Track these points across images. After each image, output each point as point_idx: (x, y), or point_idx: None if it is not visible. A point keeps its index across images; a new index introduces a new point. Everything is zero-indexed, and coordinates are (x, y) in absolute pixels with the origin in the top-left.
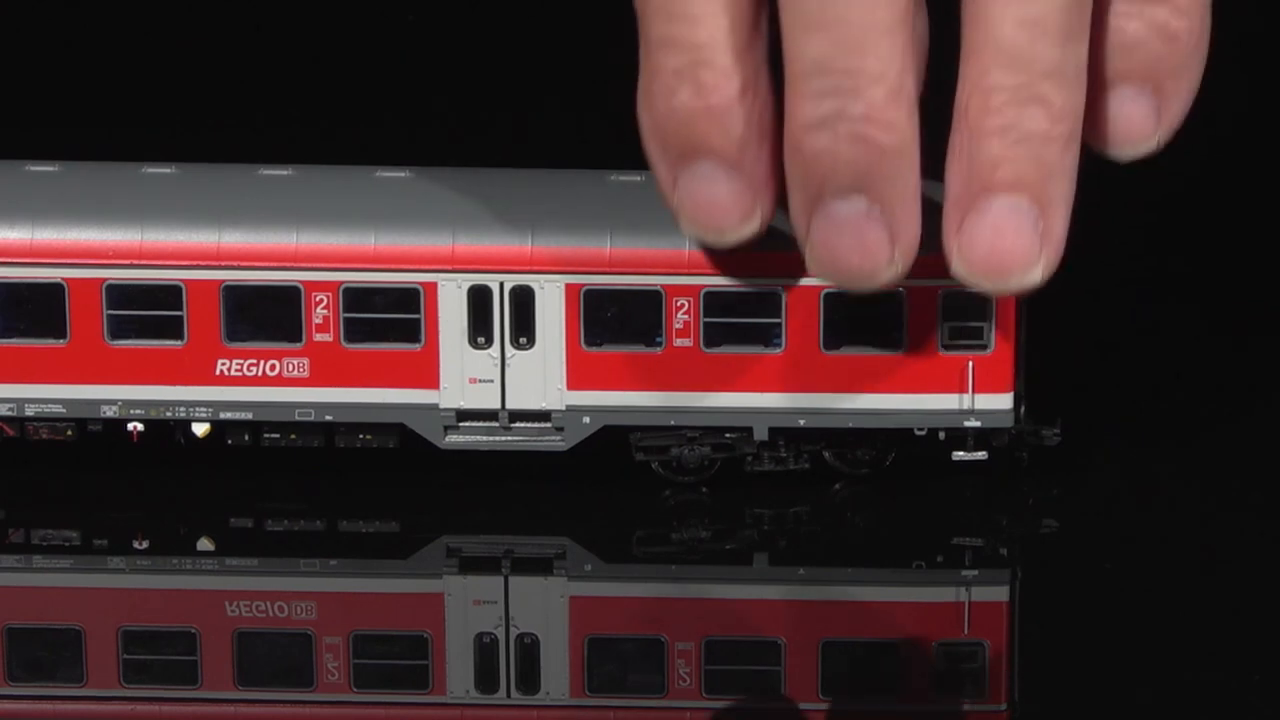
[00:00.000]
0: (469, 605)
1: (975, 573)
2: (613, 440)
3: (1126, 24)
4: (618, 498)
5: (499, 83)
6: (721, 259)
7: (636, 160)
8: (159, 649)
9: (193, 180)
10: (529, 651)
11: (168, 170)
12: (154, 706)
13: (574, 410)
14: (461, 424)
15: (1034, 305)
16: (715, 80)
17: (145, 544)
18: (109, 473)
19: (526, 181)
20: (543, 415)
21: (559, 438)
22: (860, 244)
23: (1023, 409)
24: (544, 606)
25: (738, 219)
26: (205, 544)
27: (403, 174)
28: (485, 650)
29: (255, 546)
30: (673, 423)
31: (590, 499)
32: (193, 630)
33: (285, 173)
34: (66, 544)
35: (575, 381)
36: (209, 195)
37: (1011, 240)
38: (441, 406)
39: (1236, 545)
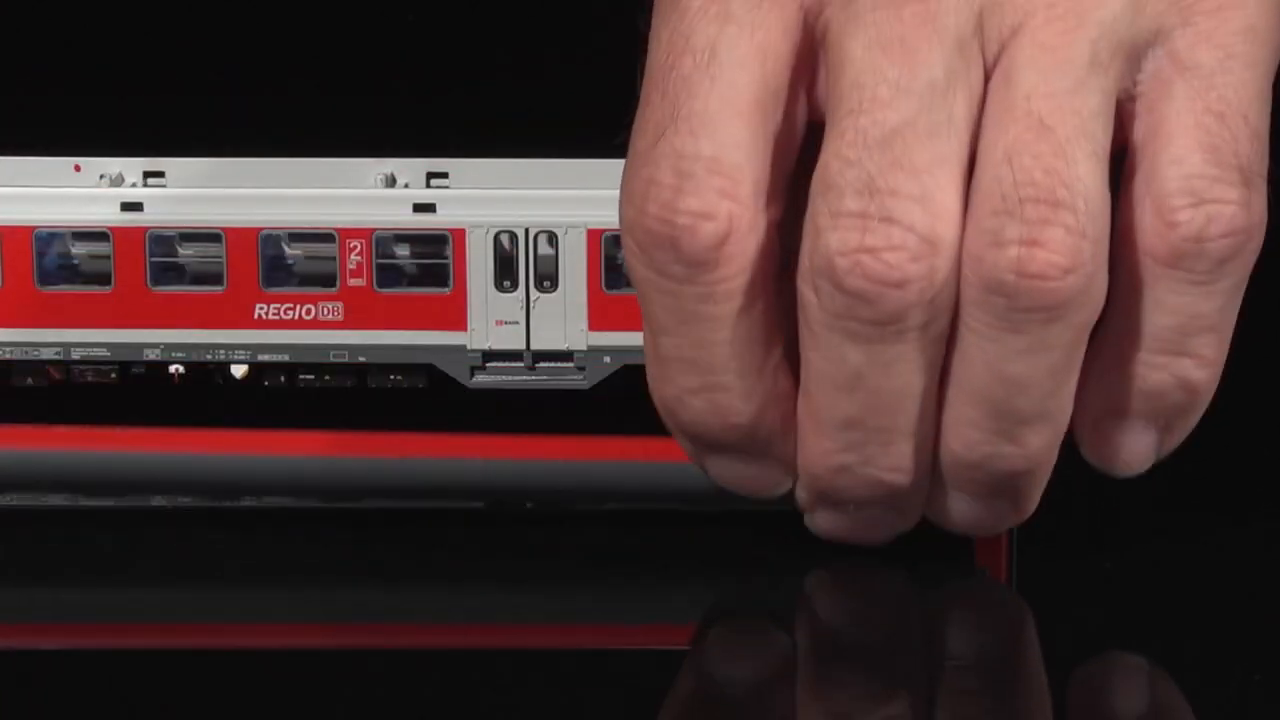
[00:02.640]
0: None
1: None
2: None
3: (1150, 374)
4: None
5: (500, 81)
6: None
7: None
8: None
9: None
10: None
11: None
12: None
13: (595, 350)
14: (488, 365)
15: None
16: (732, 403)
17: None
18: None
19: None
20: (565, 355)
21: (581, 376)
22: (868, 533)
23: None
24: None
25: (768, 489)
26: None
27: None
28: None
29: None
30: None
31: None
32: None
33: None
34: None
35: (597, 322)
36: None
37: (974, 529)
38: (469, 347)
39: (1235, 505)
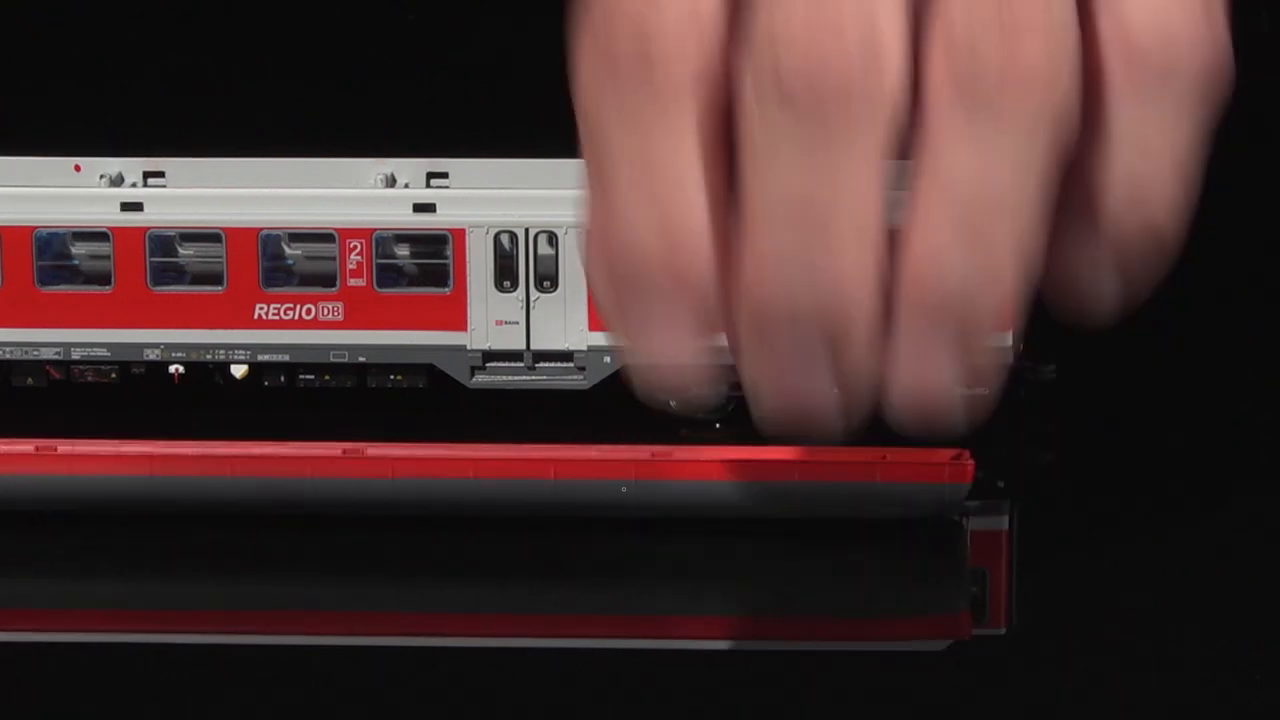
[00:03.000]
0: None
1: (976, 503)
2: None
3: (1112, 218)
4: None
5: (500, 81)
6: None
7: None
8: None
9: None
10: None
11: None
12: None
13: (595, 350)
14: (488, 365)
15: None
16: (682, 214)
17: None
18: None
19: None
20: (565, 355)
21: (581, 376)
22: (804, 393)
23: (1021, 345)
24: None
25: (681, 349)
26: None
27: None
28: None
29: None
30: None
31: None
32: None
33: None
34: None
35: (597, 323)
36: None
37: (923, 393)
38: (469, 348)
39: (1230, 476)
